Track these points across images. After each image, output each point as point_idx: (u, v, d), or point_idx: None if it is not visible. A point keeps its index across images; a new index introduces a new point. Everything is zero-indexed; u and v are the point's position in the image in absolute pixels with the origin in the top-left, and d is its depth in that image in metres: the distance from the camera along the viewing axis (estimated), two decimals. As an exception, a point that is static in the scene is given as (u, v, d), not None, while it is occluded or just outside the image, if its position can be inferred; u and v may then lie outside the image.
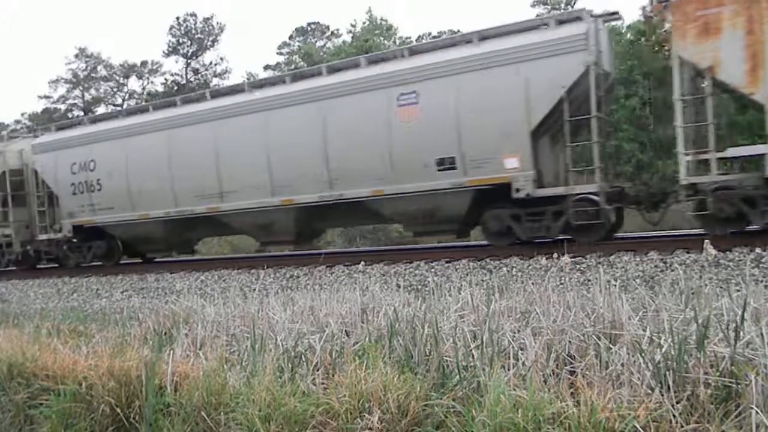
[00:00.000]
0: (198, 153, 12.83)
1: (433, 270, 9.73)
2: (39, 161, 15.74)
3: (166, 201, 13.43)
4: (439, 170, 10.41)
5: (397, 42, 31.97)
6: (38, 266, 17.21)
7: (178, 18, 42.57)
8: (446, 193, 10.45)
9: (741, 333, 3.67)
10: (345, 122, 11.21)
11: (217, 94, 13.52)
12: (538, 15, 28.28)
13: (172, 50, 42.77)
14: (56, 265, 16.66)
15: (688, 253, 8.33)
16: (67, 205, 15.07)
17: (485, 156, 10.07)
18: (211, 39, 42.85)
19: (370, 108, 10.93)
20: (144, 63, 43.47)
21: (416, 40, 33.06)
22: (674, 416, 3.28)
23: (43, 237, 15.84)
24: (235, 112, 12.50)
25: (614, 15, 10.24)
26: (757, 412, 3.08)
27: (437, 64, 10.47)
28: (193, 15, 42.45)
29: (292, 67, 34.27)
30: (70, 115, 39.36)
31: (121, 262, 16.38)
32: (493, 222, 10.36)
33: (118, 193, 14.11)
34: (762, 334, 3.65)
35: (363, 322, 5.37)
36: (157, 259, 16.23)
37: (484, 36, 10.38)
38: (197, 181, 12.92)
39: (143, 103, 13.23)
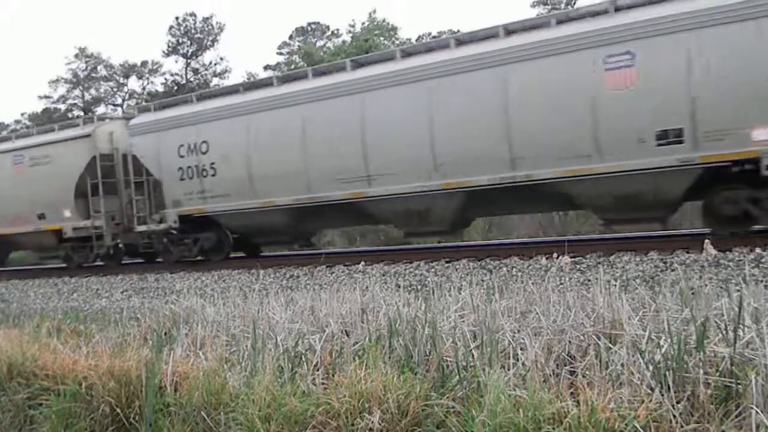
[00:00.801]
0: (340, 131, 11.21)
1: (433, 270, 9.74)
2: (137, 144, 14.06)
3: (296, 186, 11.79)
4: (659, 145, 8.74)
5: (397, 43, 31.94)
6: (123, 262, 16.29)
7: (177, 18, 42.56)
8: (666, 173, 8.78)
9: (741, 333, 3.67)
10: (533, 89, 9.54)
11: (362, 63, 11.86)
12: (538, 14, 28.23)
13: (172, 50, 42.76)
14: (141, 260, 15.68)
15: (688, 253, 8.33)
16: (173, 193, 13.43)
17: (725, 127, 8.38)
18: (210, 39, 42.84)
19: (566, 73, 9.27)
20: (144, 63, 43.49)
21: (416, 40, 33.03)
22: (674, 416, 3.28)
23: (142, 228, 14.10)
24: (386, 83, 10.86)
25: None
26: (757, 412, 3.08)
27: (663, 18, 8.65)
28: (193, 15, 42.45)
29: (292, 67, 34.26)
30: (70, 115, 39.33)
31: (122, 262, 16.39)
32: (727, 205, 8.78)
33: (237, 178, 12.50)
34: (762, 334, 3.65)
35: (363, 322, 5.37)
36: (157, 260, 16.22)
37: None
38: (337, 162, 11.29)
39: (265, 77, 11.92)
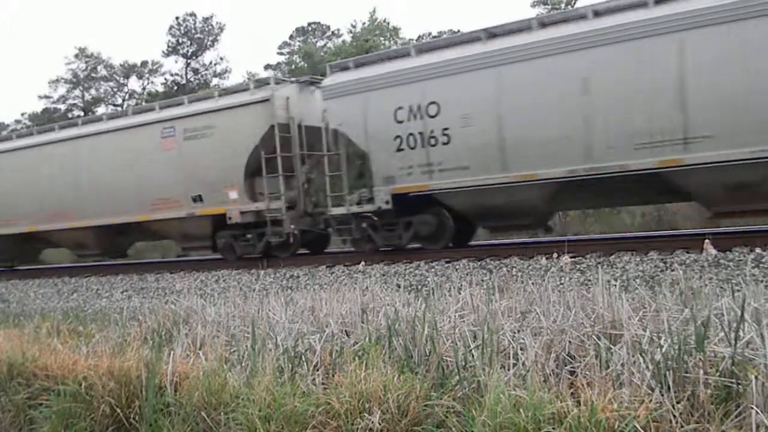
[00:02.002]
0: (646, 81, 8.83)
1: (433, 270, 9.74)
2: (333, 109, 11.67)
3: (569, 154, 9.43)
4: None
5: (398, 43, 31.95)
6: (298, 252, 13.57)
7: (177, 18, 42.58)
8: None
9: (741, 333, 3.67)
10: None
11: None
12: (538, 14, 28.24)
13: (172, 50, 42.77)
14: (307, 251, 13.54)
15: (688, 253, 8.33)
16: (385, 167, 11.05)
17: None
18: (211, 39, 42.85)
19: None
20: (144, 63, 43.48)
21: (416, 41, 33.03)
22: (674, 416, 3.28)
23: (338, 212, 11.76)
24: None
25: None
26: (757, 412, 3.08)
27: None
28: (193, 15, 42.46)
29: (293, 67, 34.27)
30: (70, 116, 39.34)
31: (121, 262, 16.39)
32: None
33: (480, 146, 10.13)
34: (762, 334, 3.65)
35: (363, 322, 5.37)
36: (154, 260, 16.23)
37: None
38: (638, 122, 8.93)
39: (519, 19, 10.29)
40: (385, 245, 11.44)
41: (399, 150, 10.90)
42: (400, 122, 10.84)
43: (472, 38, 10.65)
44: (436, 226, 11.03)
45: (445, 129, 10.47)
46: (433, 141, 10.60)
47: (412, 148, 10.79)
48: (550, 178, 9.63)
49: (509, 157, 9.97)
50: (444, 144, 10.51)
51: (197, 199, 13.25)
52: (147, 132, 13.84)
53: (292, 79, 14.09)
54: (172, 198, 13.53)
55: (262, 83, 13.20)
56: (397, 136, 10.87)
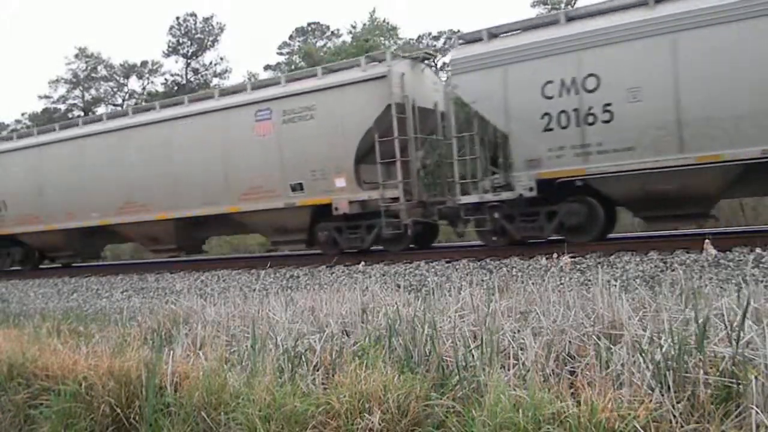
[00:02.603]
0: None
1: (433, 270, 9.74)
2: (465, 85, 10.47)
3: (765, 131, 8.37)
4: None
5: (399, 43, 31.98)
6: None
7: (178, 18, 42.56)
8: None
9: (741, 333, 3.67)
10: None
11: None
12: (538, 14, 28.21)
13: (172, 50, 42.76)
14: (412, 245, 11.88)
15: (688, 253, 8.34)
16: (529, 149, 9.91)
17: None
18: (211, 39, 42.84)
19: None
20: (144, 63, 43.47)
21: (416, 41, 33.06)
22: (674, 416, 3.28)
23: (470, 200, 10.53)
24: None
25: None
26: (757, 412, 3.08)
27: None
28: (193, 15, 42.44)
29: (292, 67, 34.27)
30: (70, 116, 39.35)
31: (120, 262, 16.39)
32: None
33: (651, 123, 8.97)
34: (762, 334, 3.65)
35: (363, 322, 5.37)
36: (153, 260, 16.21)
37: None
38: None
39: None
40: (524, 237, 10.32)
41: (547, 130, 9.65)
42: (549, 98, 9.66)
43: (637, 2, 9.43)
44: (586, 215, 9.82)
45: (607, 105, 9.27)
46: (590, 119, 9.40)
47: (564, 128, 9.56)
48: (738, 160, 8.52)
49: (687, 136, 8.78)
50: (605, 122, 9.30)
51: (296, 187, 12.03)
52: (238, 115, 12.66)
53: (404, 54, 12.57)
54: (266, 187, 12.35)
55: (374, 58, 11.88)
56: (545, 114, 9.65)
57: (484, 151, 10.74)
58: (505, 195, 10.14)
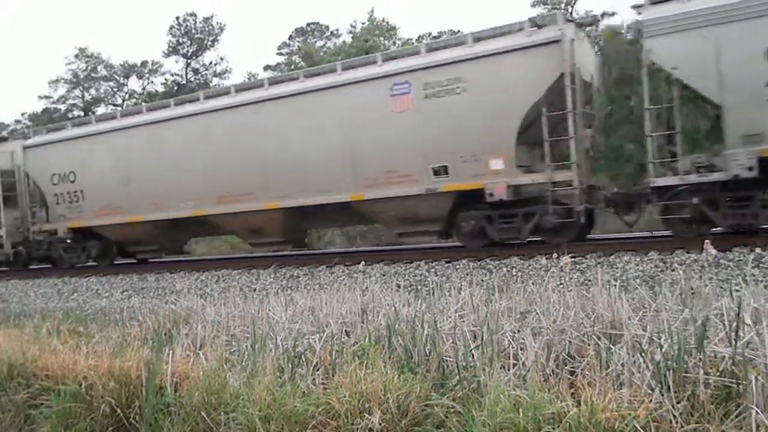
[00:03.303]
0: None
1: (433, 270, 9.74)
2: (661, 50, 9.13)
3: None
4: None
5: (398, 43, 31.98)
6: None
7: (178, 18, 42.55)
8: None
9: (741, 333, 3.67)
10: None
11: None
12: (538, 15, 28.20)
13: (172, 50, 42.77)
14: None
15: (688, 253, 8.33)
16: (747, 122, 8.69)
17: None
18: (211, 39, 42.84)
19: None
20: (144, 63, 43.47)
21: (416, 41, 33.05)
22: (674, 416, 3.28)
23: (668, 182, 9.17)
24: None
25: None
26: (757, 412, 3.08)
27: None
28: (193, 15, 42.44)
29: (292, 67, 34.27)
30: (70, 116, 39.34)
31: (119, 262, 16.36)
32: None
33: None
34: (762, 334, 3.64)
35: (363, 322, 5.37)
36: (152, 260, 16.18)
37: None
38: None
39: None
40: (731, 225, 9.01)
41: None
42: None
43: None
44: None
45: None
46: None
47: None
48: None
49: None
50: None
51: (440, 171, 10.59)
52: (367, 90, 11.19)
53: (570, 18, 11.12)
54: (401, 171, 10.89)
55: (537, 23, 10.29)
56: None
57: (686, 124, 9.25)
58: (716, 176, 8.82)
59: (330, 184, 11.58)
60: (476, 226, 10.59)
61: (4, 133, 19.50)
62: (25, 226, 16.81)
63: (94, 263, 15.80)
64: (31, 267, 17.80)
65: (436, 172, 10.67)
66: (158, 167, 13.79)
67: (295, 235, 13.26)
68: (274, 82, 13.08)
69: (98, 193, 14.89)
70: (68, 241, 15.69)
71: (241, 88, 13.49)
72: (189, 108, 13.71)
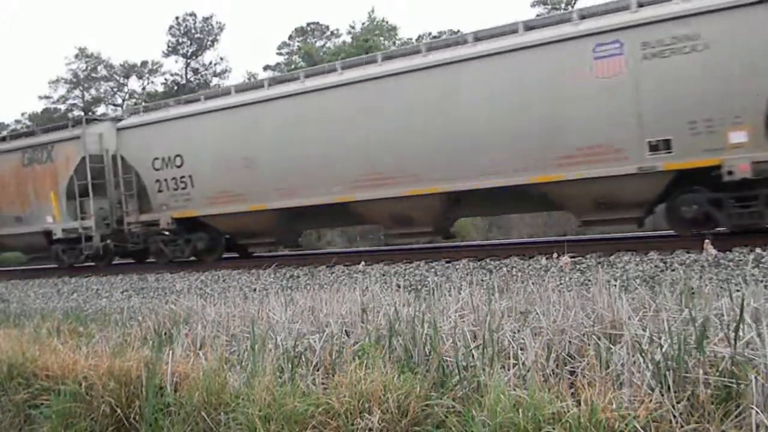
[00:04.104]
0: None
1: (433, 270, 9.74)
2: None
3: None
4: None
5: (398, 43, 31.98)
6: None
7: (177, 18, 42.60)
8: None
9: (741, 333, 3.67)
10: None
11: None
12: (538, 15, 28.23)
13: (172, 50, 42.79)
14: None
15: (688, 253, 8.33)
16: None
17: None
18: (210, 39, 42.86)
19: None
20: (144, 63, 43.52)
21: (416, 41, 33.07)
22: (674, 416, 3.28)
23: None
24: None
25: None
26: (757, 412, 3.08)
27: None
28: (193, 15, 42.46)
29: (292, 67, 34.27)
30: (70, 116, 39.33)
31: (119, 262, 16.35)
32: None
33: None
34: (762, 334, 3.65)
35: (363, 322, 5.37)
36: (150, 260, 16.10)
37: None
38: None
39: None
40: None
41: None
42: None
43: None
44: None
45: None
46: None
47: None
48: None
49: None
50: None
51: (659, 145, 9.00)
52: (561, 53, 9.64)
53: None
54: (606, 146, 9.33)
55: None
56: None
57: None
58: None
59: (506, 165, 9.91)
60: (699, 211, 9.05)
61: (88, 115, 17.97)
62: (114, 217, 14.78)
63: (197, 258, 13.87)
64: (32, 267, 17.67)
65: (654, 148, 9.01)
66: (294, 148, 11.72)
67: (447, 223, 11.63)
68: (431, 48, 11.06)
69: (212, 178, 12.89)
70: (169, 233, 13.80)
71: (388, 56, 11.55)
72: (353, 74, 11.42)
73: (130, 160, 14.18)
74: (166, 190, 13.57)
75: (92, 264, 15.29)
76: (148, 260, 15.39)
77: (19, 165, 15.87)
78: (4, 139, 16.74)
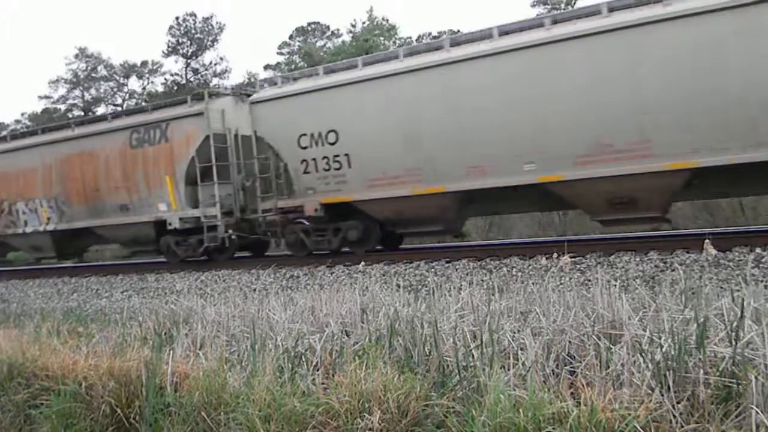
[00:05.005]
0: None
1: (433, 270, 9.74)
2: None
3: None
4: None
5: (398, 42, 31.98)
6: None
7: (177, 18, 42.58)
8: None
9: (741, 333, 3.67)
10: None
11: None
12: (538, 14, 28.24)
13: (172, 50, 42.77)
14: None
15: (688, 253, 8.34)
16: None
17: None
18: (210, 39, 42.84)
19: None
20: (144, 63, 43.51)
21: (416, 40, 33.08)
22: (674, 416, 3.28)
23: None
24: None
25: None
26: (757, 412, 3.08)
27: None
28: (193, 15, 42.43)
29: (292, 67, 34.27)
30: (70, 116, 39.33)
31: (120, 262, 16.34)
32: None
33: None
34: (762, 334, 3.65)
35: (363, 322, 5.37)
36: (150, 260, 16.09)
37: None
38: None
39: None
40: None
41: None
42: None
43: None
44: None
45: None
46: None
47: None
48: None
49: None
50: None
51: None
52: None
53: None
54: None
55: None
56: None
57: None
58: None
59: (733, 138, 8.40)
60: None
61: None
62: (238, 204, 13.11)
63: (323, 251, 12.18)
64: (32, 267, 17.56)
65: None
66: (487, 118, 9.95)
67: (667, 208, 9.87)
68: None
69: (374, 157, 10.98)
70: (314, 221, 11.94)
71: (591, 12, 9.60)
72: (583, 26, 9.44)
73: (268, 137, 12.12)
74: (314, 172, 11.64)
75: (206, 258, 13.62)
76: (266, 254, 14.11)
77: (126, 147, 13.79)
78: (105, 118, 14.80)
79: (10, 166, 15.87)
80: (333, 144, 11.37)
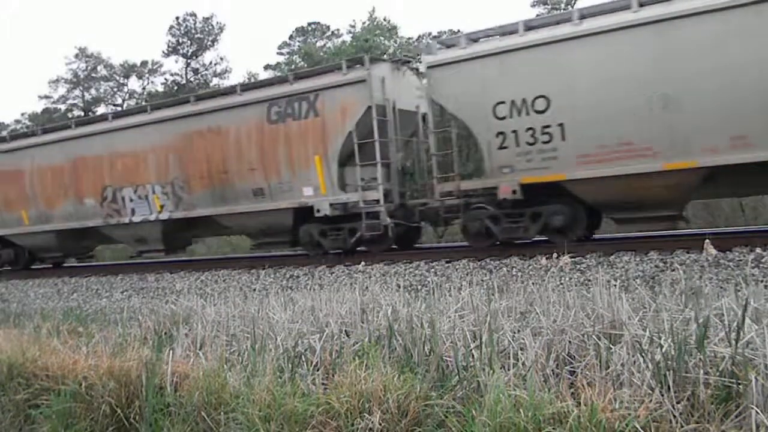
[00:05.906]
0: None
1: (433, 270, 9.74)
2: None
3: None
4: None
5: (398, 42, 31.98)
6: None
7: (177, 18, 42.53)
8: None
9: (741, 333, 3.67)
10: None
11: None
12: (538, 15, 28.23)
13: (172, 50, 42.74)
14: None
15: (688, 253, 8.33)
16: None
17: None
18: (210, 39, 42.82)
19: None
20: (144, 63, 43.47)
21: (416, 40, 33.07)
22: (674, 416, 3.28)
23: None
24: None
25: None
26: (757, 412, 3.08)
27: None
28: (193, 15, 42.41)
29: (292, 67, 34.27)
30: (70, 116, 39.33)
31: (120, 262, 16.34)
32: None
33: None
34: (762, 334, 3.65)
35: (363, 322, 5.37)
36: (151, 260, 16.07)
37: None
38: None
39: None
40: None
41: None
42: None
43: None
44: None
45: None
46: None
47: None
48: None
49: None
50: None
51: None
52: None
53: None
54: None
55: None
56: None
57: None
58: None
59: None
60: None
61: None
62: (398, 188, 11.43)
63: (517, 239, 10.40)
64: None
65: None
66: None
67: None
68: None
69: (599, 127, 9.15)
70: (508, 206, 10.07)
71: None
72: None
73: (451, 107, 10.34)
74: (513, 146, 9.85)
75: (364, 250, 11.70)
76: (416, 245, 12.57)
77: (262, 122, 11.84)
78: (234, 90, 12.72)
79: (114, 147, 13.76)
80: (541, 112, 9.57)
